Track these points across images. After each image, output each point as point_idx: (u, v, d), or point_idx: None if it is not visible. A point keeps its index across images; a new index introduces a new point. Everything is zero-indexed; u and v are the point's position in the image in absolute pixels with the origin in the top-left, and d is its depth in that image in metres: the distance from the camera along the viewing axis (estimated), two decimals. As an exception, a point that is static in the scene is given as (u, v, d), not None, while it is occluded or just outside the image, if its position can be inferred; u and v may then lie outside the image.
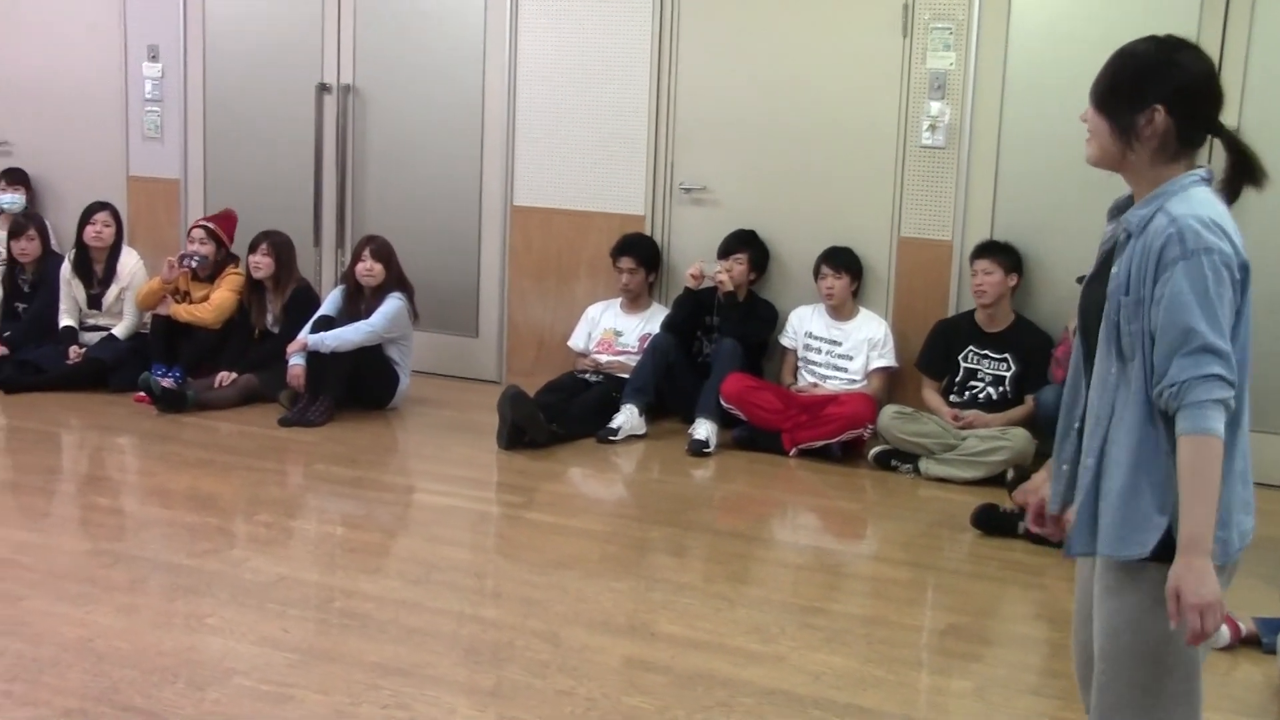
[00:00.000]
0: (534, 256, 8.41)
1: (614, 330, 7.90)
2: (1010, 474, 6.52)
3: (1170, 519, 2.67)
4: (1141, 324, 2.69)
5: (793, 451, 7.10)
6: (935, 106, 7.33)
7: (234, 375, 7.84)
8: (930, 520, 6.23)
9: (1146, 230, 2.70)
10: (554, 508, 6.31)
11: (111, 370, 8.05)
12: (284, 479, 6.70)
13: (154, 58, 9.33)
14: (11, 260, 8.59)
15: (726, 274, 7.48)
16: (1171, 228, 2.64)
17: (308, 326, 7.65)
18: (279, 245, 8.01)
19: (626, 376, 7.58)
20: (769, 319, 7.65)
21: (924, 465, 6.82)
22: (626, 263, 7.82)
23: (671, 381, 7.49)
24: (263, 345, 7.99)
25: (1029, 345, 6.98)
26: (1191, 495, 2.61)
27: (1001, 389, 6.97)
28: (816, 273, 7.45)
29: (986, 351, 7.03)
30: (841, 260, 7.40)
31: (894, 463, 6.93)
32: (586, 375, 7.78)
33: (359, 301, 7.73)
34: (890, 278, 7.58)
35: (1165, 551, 2.66)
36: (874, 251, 7.55)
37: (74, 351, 8.15)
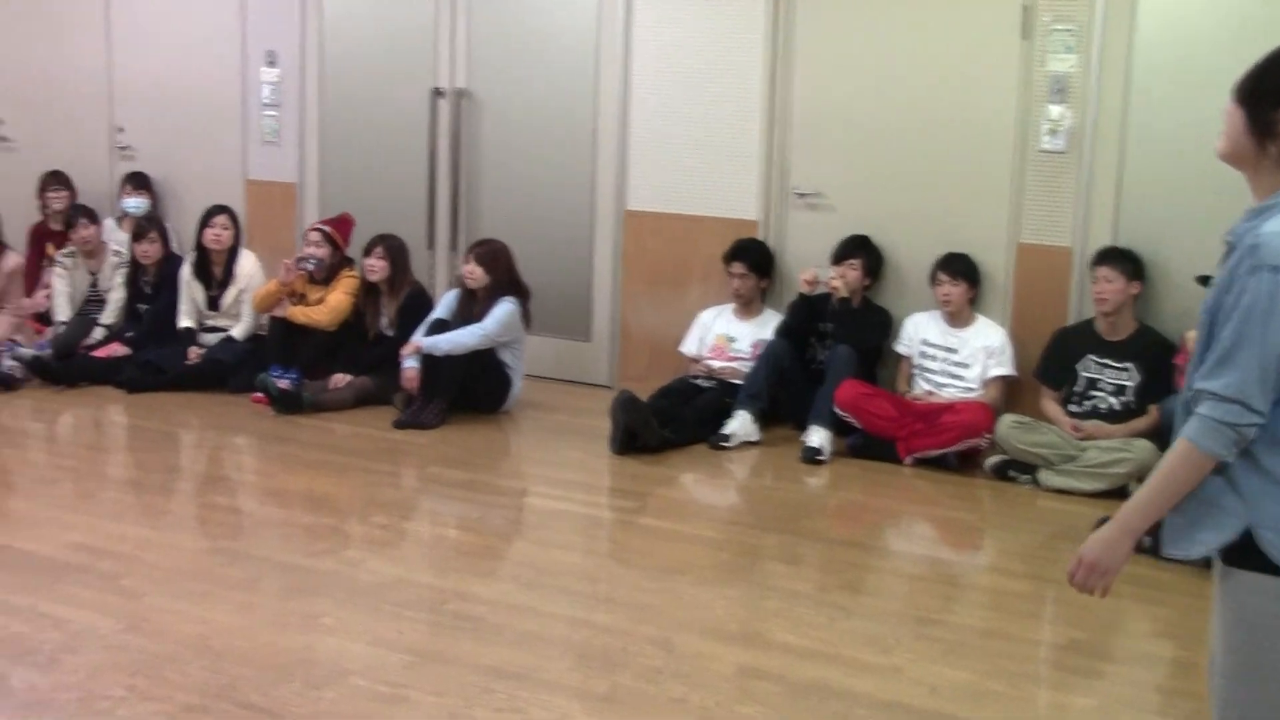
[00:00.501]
0: (647, 261, 8.40)
1: (727, 336, 7.87)
2: (1133, 486, 6.34)
3: (1249, 523, 2.62)
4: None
5: (908, 460, 7.01)
6: (1056, 110, 7.22)
7: (349, 377, 7.90)
8: (1049, 532, 6.13)
9: (1242, 242, 2.64)
10: (666, 513, 6.29)
11: (230, 371, 8.15)
12: (398, 481, 6.74)
13: (272, 63, 9.44)
14: (134, 262, 8.72)
15: (840, 280, 7.42)
16: (1256, 240, 2.57)
17: (422, 329, 7.70)
18: (394, 249, 8.06)
19: (739, 382, 7.54)
20: (884, 325, 7.57)
21: (1043, 476, 6.70)
22: (739, 268, 7.78)
23: (785, 388, 7.43)
24: (377, 348, 8.04)
25: (1152, 354, 6.83)
26: (1154, 487, 2.70)
27: (1124, 399, 6.84)
28: (933, 279, 7.37)
29: (1108, 360, 6.90)
30: (958, 267, 7.31)
31: (1012, 473, 6.82)
32: (699, 381, 7.74)
33: (472, 305, 7.76)
34: (1008, 284, 7.47)
35: (1263, 561, 2.61)
36: (991, 258, 7.45)
37: (193, 352, 8.26)
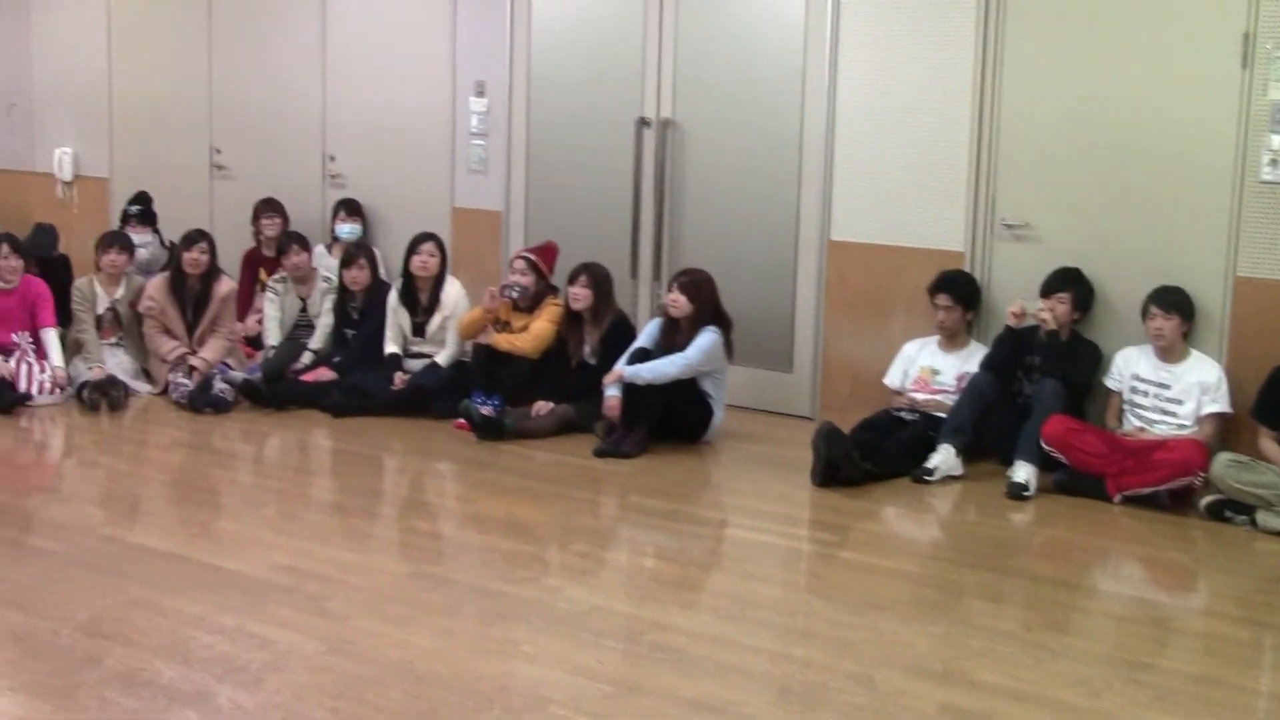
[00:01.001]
0: (850, 292, 8.31)
1: (931, 368, 7.74)
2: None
3: None
4: None
5: (1117, 498, 6.81)
6: (1277, 140, 6.98)
7: (551, 405, 7.93)
8: (1268, 576, 5.90)
9: None
10: (868, 547, 6.20)
11: (434, 397, 8.24)
12: (598, 509, 6.74)
13: (480, 93, 9.56)
14: (342, 288, 8.88)
15: (1049, 313, 7.26)
16: None
17: (624, 358, 7.69)
18: (598, 277, 8.08)
19: (943, 415, 7.42)
20: (1093, 360, 7.37)
21: (1261, 518, 6.44)
22: (945, 300, 7.65)
23: (990, 422, 7.28)
24: (580, 376, 8.06)
25: (1381, 392, 6.56)
26: None
27: (1348, 439, 6.58)
28: (1144, 313, 7.15)
29: (1331, 399, 6.64)
30: (1172, 300, 7.08)
31: (1228, 513, 6.57)
32: (902, 413, 7.63)
33: (675, 334, 7.74)
34: (1224, 319, 7.23)
35: None
36: (1206, 291, 7.20)
37: (398, 378, 8.37)
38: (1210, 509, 6.63)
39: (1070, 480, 6.97)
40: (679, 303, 7.71)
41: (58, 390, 8.28)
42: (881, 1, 8.04)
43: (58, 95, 11.63)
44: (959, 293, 7.66)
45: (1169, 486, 6.74)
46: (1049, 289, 7.38)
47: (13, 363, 8.22)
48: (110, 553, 5.66)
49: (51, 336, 8.48)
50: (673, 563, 5.88)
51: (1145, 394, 7.13)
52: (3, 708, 4.17)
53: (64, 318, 8.75)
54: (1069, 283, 7.39)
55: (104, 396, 8.24)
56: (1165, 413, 7.06)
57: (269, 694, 4.28)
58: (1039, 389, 7.20)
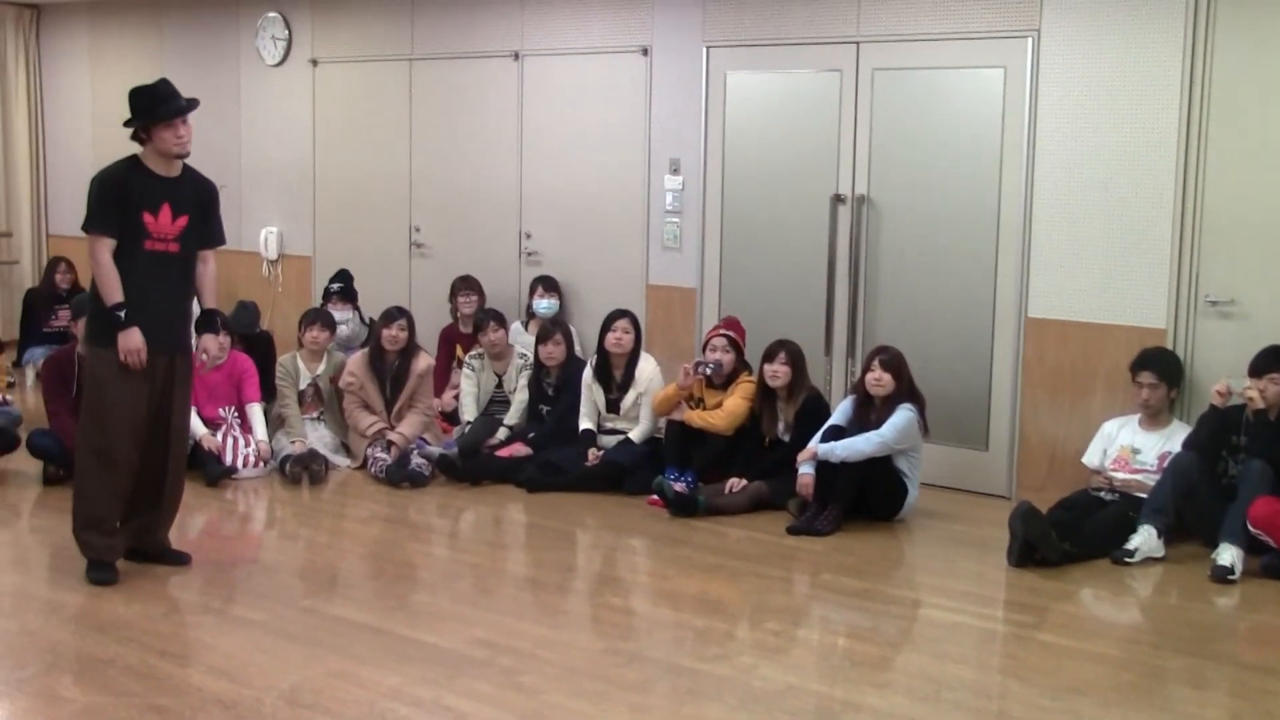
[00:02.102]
0: (1048, 369, 8.18)
1: (1131, 448, 7.57)
2: None
3: None
4: None
5: (1328, 584, 6.60)
6: None
7: (744, 482, 7.92)
8: None
9: None
10: (1066, 629, 6.06)
11: (627, 473, 8.27)
12: (791, 587, 6.69)
13: (675, 170, 9.64)
14: (538, 364, 8.98)
15: (1256, 391, 7.07)
16: None
17: (818, 435, 7.66)
18: (795, 354, 8.07)
19: (1144, 496, 7.25)
20: (1304, 440, 7.16)
21: None
22: (1147, 378, 7.49)
23: (1193, 503, 7.09)
24: (773, 453, 8.05)
25: None
26: None
27: None
28: (1355, 390, 6.94)
29: None
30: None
31: None
32: (1101, 493, 7.47)
33: (869, 411, 7.70)
34: None
35: None
36: None
37: (592, 454, 8.42)
38: None
39: (1277, 564, 6.75)
40: (884, 381, 7.66)
41: (261, 464, 8.50)
42: (1082, 75, 7.95)
43: (264, 177, 12.01)
44: (1163, 370, 7.50)
45: (1387, 572, 6.51)
46: (1261, 369, 7.17)
47: (219, 436, 8.46)
48: (310, 624, 5.78)
49: (256, 411, 8.72)
50: (866, 642, 5.81)
51: (1356, 474, 6.90)
52: (208, 774, 4.27)
53: (268, 393, 8.99)
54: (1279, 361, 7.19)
55: (305, 470, 8.43)
56: (1377, 495, 6.82)
57: (464, 767, 4.32)
58: (1245, 470, 7.00)
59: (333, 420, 9.05)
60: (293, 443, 8.63)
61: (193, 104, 6.28)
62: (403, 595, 6.28)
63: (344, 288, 10.66)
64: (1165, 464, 7.27)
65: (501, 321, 9.24)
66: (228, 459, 8.38)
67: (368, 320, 10.42)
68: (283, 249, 11.97)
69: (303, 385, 8.98)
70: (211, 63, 12.18)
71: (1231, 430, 7.22)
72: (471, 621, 5.83)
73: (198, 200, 6.41)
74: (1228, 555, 6.75)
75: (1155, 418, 7.56)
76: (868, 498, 7.59)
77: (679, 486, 7.82)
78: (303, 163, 11.74)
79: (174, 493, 6.62)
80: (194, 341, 6.56)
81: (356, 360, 9.01)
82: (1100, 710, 4.99)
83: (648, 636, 5.80)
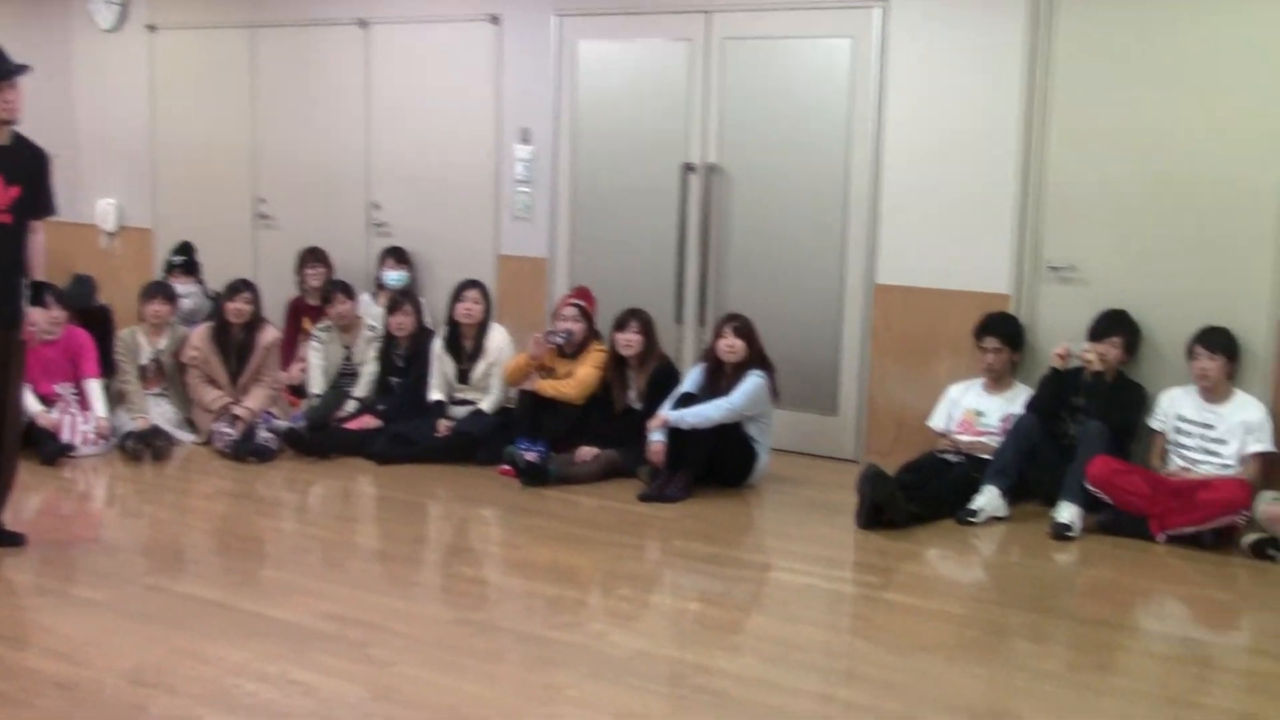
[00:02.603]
0: (895, 335, 8.27)
1: (976, 410, 7.69)
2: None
3: None
4: None
5: (1161, 538, 6.75)
6: (1324, 181, 6.94)
7: (596, 450, 7.92)
8: (1316, 615, 5.83)
9: None
10: (912, 589, 6.15)
11: (478, 443, 8.23)
12: (642, 554, 6.70)
13: (525, 140, 9.58)
14: (387, 336, 8.90)
15: (1094, 354, 7.22)
16: None
17: (669, 403, 7.68)
18: (646, 323, 8.08)
19: (988, 457, 7.38)
20: (1138, 402, 7.33)
21: (1304, 556, 6.40)
22: (992, 343, 7.62)
23: (1034, 463, 7.25)
24: (624, 421, 8.05)
25: None
26: None
27: (1397, 479, 6.50)
28: (1189, 354, 7.11)
29: (1381, 438, 6.56)
30: (1218, 341, 7.04)
31: (1271, 552, 6.51)
32: (947, 455, 7.59)
33: (720, 378, 7.72)
34: (1269, 358, 7.17)
35: None
36: (1253, 331, 7.16)
37: (443, 425, 8.36)
38: (1254, 547, 6.59)
39: (1114, 521, 6.93)
40: (735, 347, 7.69)
41: (101, 441, 8.31)
42: (927, 47, 8.05)
43: (101, 146, 11.74)
44: (1006, 335, 7.64)
45: (1213, 525, 6.71)
46: (1100, 333, 7.35)
47: (55, 414, 8.25)
48: (155, 602, 5.66)
49: (95, 387, 8.51)
50: (717, 606, 5.83)
51: (1189, 434, 7.10)
52: (47, 756, 4.17)
53: (107, 369, 8.80)
54: (1120, 326, 7.36)
55: (148, 446, 8.26)
56: (1209, 453, 7.03)
57: (312, 740, 4.27)
58: (1083, 430, 7.16)
59: (176, 395, 8.88)
60: (134, 419, 8.46)
61: (22, 69, 6.10)
62: (249, 571, 6.19)
63: (186, 260, 10.45)
64: (1008, 426, 7.41)
65: (350, 293, 9.14)
66: (65, 436, 8.17)
67: (211, 293, 10.24)
68: (122, 221, 11.72)
69: (144, 360, 8.79)
70: (41, 27, 11.85)
71: (1071, 392, 7.38)
72: (320, 595, 5.75)
73: (29, 169, 6.22)
74: (1067, 513, 6.91)
75: (998, 381, 7.69)
76: (718, 464, 7.62)
77: (530, 456, 7.79)
78: (141, 132, 11.50)
79: (7, 473, 6.41)
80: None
81: (200, 334, 8.84)
82: (945, 666, 5.07)
83: (499, 606, 5.78)
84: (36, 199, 6.28)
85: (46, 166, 6.36)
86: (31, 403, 8.12)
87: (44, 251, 6.42)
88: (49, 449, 8.02)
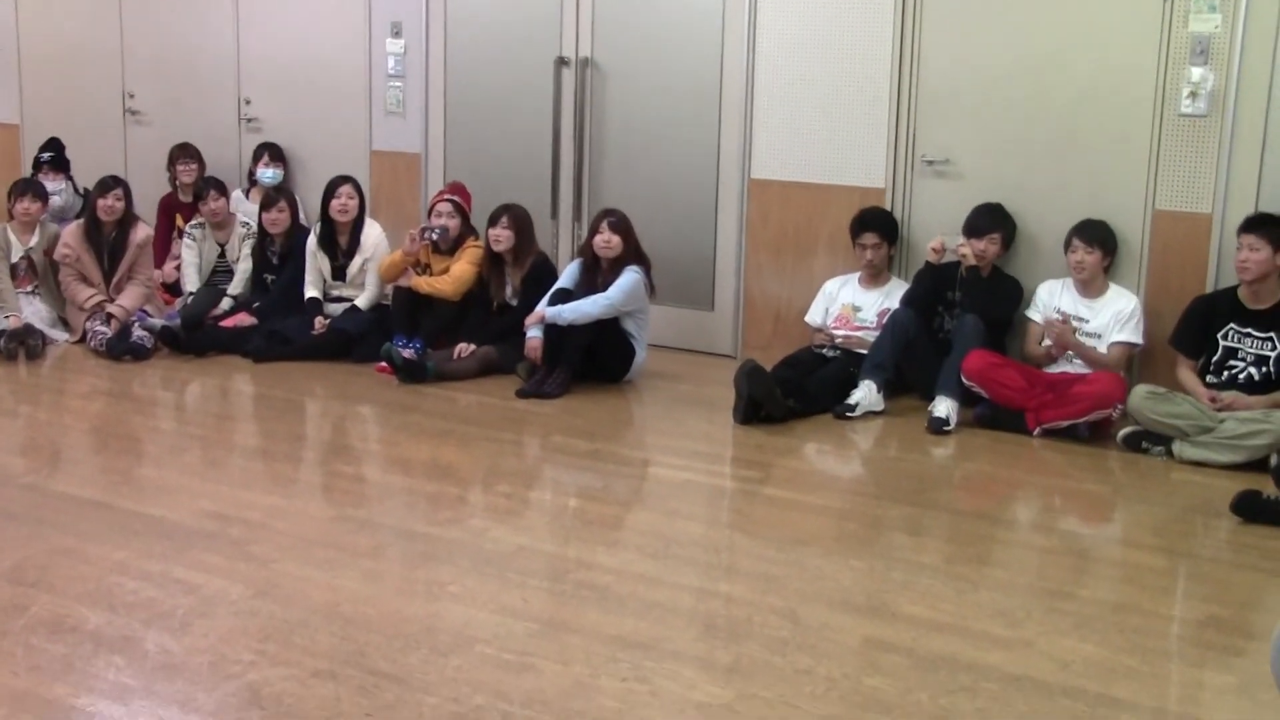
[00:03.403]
0: (771, 230, 8.32)
1: (852, 305, 7.77)
2: (1275, 459, 6.11)
3: None
4: None
5: (1037, 431, 6.88)
6: (1197, 72, 7.03)
7: (473, 347, 7.91)
8: (1184, 505, 5.97)
9: None
10: (791, 484, 6.23)
11: (355, 341, 8.20)
12: (521, 450, 6.74)
13: (397, 34, 9.47)
14: (262, 232, 8.80)
15: (968, 248, 7.30)
16: None
17: (545, 299, 7.69)
18: (519, 218, 8.06)
19: (865, 352, 7.46)
20: (1014, 295, 7.43)
21: (1177, 448, 6.53)
22: (869, 238, 7.68)
23: (911, 358, 7.34)
24: (501, 318, 8.06)
25: (1299, 324, 6.64)
26: None
27: (1265, 369, 6.64)
28: (1067, 246, 7.22)
29: (1249, 330, 6.70)
30: (1094, 234, 7.13)
31: (1145, 445, 6.66)
32: (824, 350, 7.68)
33: (596, 274, 7.74)
34: (1144, 252, 7.31)
35: None
36: (1127, 225, 7.28)
37: (319, 322, 8.32)
38: (1128, 440, 6.73)
39: (990, 414, 7.04)
40: (612, 243, 7.68)
41: (-29, 339, 8.18)
42: (799, -62, 8.03)
43: (-37, 40, 11.43)
44: (883, 229, 7.70)
45: (1088, 419, 6.83)
46: (977, 229, 7.40)
47: (-73, 312, 8.10)
48: (32, 501, 5.60)
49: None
50: (597, 502, 5.89)
51: (1066, 327, 7.21)
52: (-76, 658, 4.14)
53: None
54: (998, 222, 7.43)
55: (21, 345, 8.13)
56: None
57: (195, 638, 4.26)
58: (959, 325, 7.26)
59: (48, 294, 8.73)
60: (7, 318, 8.30)
61: None
62: (127, 470, 6.14)
63: (55, 157, 10.24)
64: (884, 321, 7.48)
65: (223, 190, 9.01)
66: (-66, 336, 8.04)
67: (82, 190, 10.06)
68: (-13, 116, 11.45)
69: (15, 259, 8.63)
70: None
71: (946, 286, 7.47)
72: (199, 494, 5.72)
73: None
74: (943, 407, 7.01)
75: (875, 276, 7.76)
76: (596, 360, 7.65)
77: (407, 353, 7.77)
78: (4, 25, 11.19)
79: None
80: None
81: (71, 231, 8.69)
82: (823, 560, 5.14)
83: (379, 503, 5.79)
84: None
85: None
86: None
87: None
88: (-83, 349, 7.88)
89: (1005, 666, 4.22)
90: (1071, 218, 7.25)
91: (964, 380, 7.04)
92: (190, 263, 8.94)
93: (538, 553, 5.16)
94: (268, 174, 9.73)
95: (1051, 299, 7.28)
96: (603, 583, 4.84)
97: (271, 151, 9.83)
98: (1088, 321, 7.14)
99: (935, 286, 7.45)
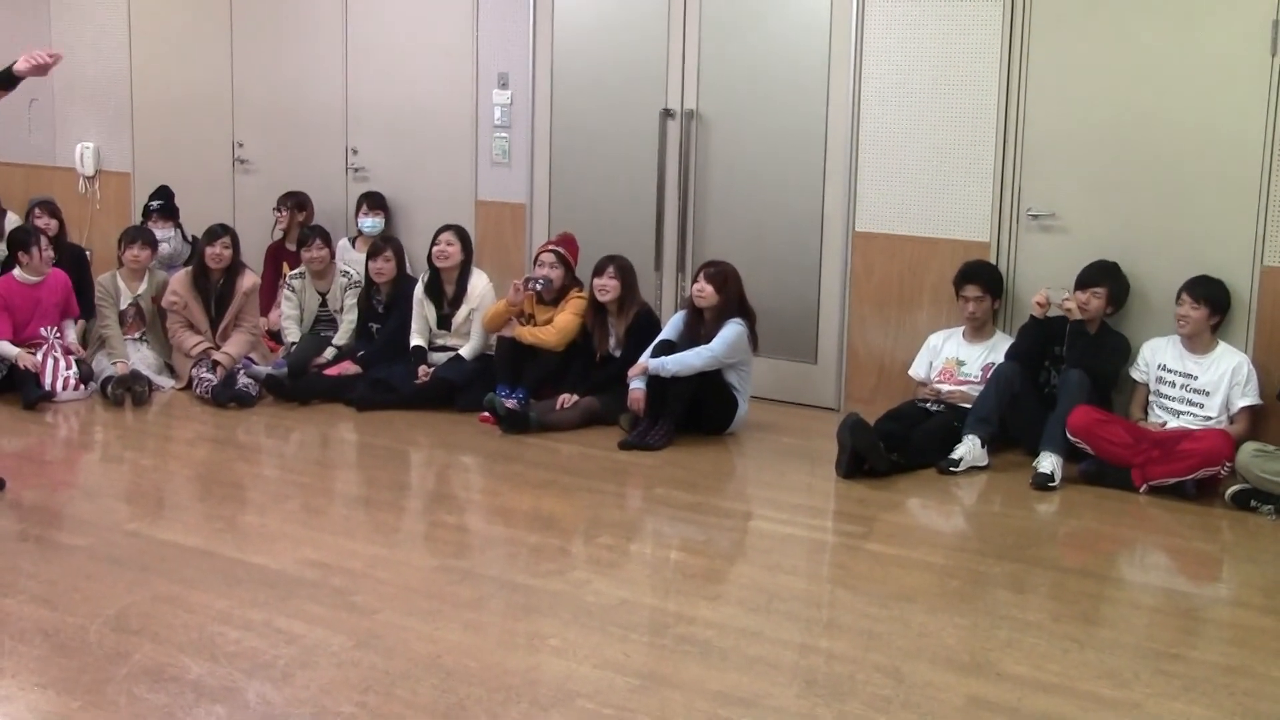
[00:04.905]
0: (875, 283, 8.28)
1: (956, 359, 7.71)
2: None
3: None
4: None
5: (1143, 488, 6.78)
6: (1307, 125, 6.94)
7: (576, 397, 7.92)
8: (1295, 565, 5.86)
9: None
10: (894, 538, 6.16)
11: (458, 390, 8.23)
12: (624, 502, 6.72)
13: (504, 85, 9.55)
14: (368, 281, 8.87)
15: (1073, 302, 7.23)
16: None
17: (649, 350, 7.68)
18: (624, 269, 8.07)
19: (968, 406, 7.39)
20: (1120, 351, 7.33)
21: (1287, 506, 6.44)
22: (972, 291, 7.62)
23: (1015, 412, 7.26)
24: (604, 368, 8.06)
25: None
26: None
27: (1376, 429, 6.52)
28: (1177, 299, 7.10)
29: (1360, 387, 6.59)
30: (1201, 291, 7.02)
31: (1253, 503, 6.54)
32: (927, 404, 7.61)
33: (700, 326, 7.72)
34: (1252, 308, 7.19)
35: None
36: (1235, 280, 7.15)
37: (423, 371, 8.36)
38: (1236, 498, 6.61)
39: (1096, 470, 6.94)
40: (705, 293, 7.68)
41: (82, 386, 8.29)
42: (905, -9, 8.02)
43: (79, 89, 11.61)
44: (987, 282, 7.64)
45: (1195, 476, 6.72)
46: (1085, 282, 7.33)
47: (40, 356, 8.23)
48: (136, 548, 5.66)
49: (71, 326, 8.60)
50: (698, 555, 5.86)
51: (1172, 384, 7.11)
52: (33, 703, 4.18)
53: (85, 311, 8.87)
54: (1106, 277, 7.34)
55: (128, 391, 8.25)
56: (1191, 404, 7.04)
57: (297, 689, 4.28)
58: (1064, 379, 7.17)
59: (155, 341, 8.87)
60: (114, 364, 8.44)
61: None
62: (231, 517, 6.19)
63: (164, 204, 10.41)
64: (989, 375, 7.41)
65: (326, 239, 9.10)
66: (47, 381, 8.15)
67: (190, 238, 10.21)
68: (100, 164, 11.64)
69: (123, 305, 8.77)
70: (20, -29, 11.76)
71: (1052, 341, 7.38)
72: (302, 542, 5.76)
73: None
74: (1048, 463, 6.92)
75: (979, 330, 7.70)
76: (699, 412, 7.64)
77: (510, 403, 7.81)
78: (120, 75, 11.40)
79: None
80: None
81: (180, 279, 8.82)
82: (927, 616, 5.09)
83: (481, 554, 5.79)
84: None
85: None
86: (8, 347, 8.15)
87: None
88: (30, 394, 8.01)
89: (1114, 730, 4.14)
90: (1178, 273, 7.15)
91: (1069, 436, 6.94)
92: (290, 315, 9.03)
93: (639, 606, 5.14)
94: (367, 223, 9.83)
95: (1155, 356, 7.19)
96: (704, 637, 4.81)
97: (370, 200, 9.94)
98: (1195, 379, 7.02)
99: (1041, 341, 7.37)
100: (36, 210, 9.54)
